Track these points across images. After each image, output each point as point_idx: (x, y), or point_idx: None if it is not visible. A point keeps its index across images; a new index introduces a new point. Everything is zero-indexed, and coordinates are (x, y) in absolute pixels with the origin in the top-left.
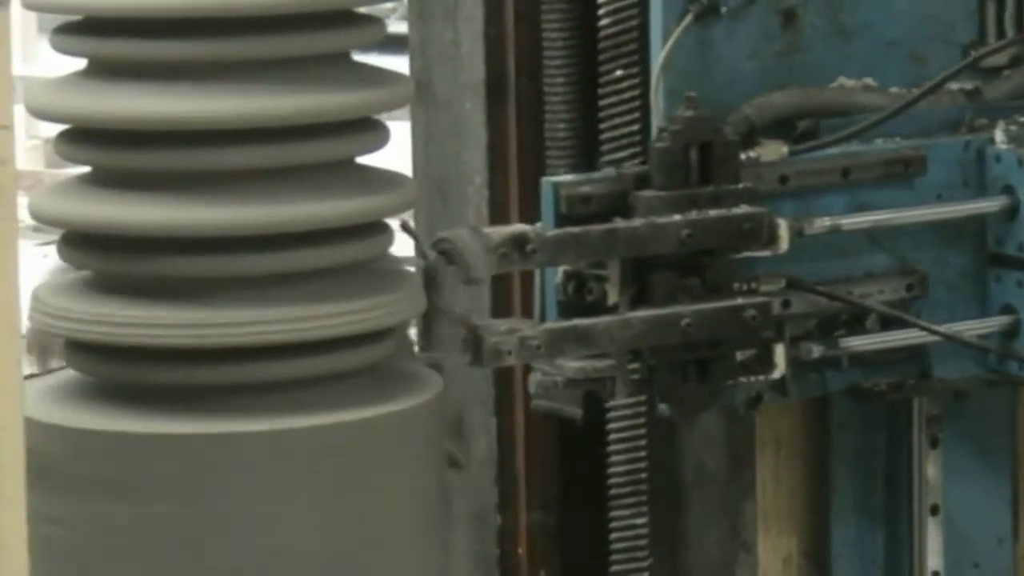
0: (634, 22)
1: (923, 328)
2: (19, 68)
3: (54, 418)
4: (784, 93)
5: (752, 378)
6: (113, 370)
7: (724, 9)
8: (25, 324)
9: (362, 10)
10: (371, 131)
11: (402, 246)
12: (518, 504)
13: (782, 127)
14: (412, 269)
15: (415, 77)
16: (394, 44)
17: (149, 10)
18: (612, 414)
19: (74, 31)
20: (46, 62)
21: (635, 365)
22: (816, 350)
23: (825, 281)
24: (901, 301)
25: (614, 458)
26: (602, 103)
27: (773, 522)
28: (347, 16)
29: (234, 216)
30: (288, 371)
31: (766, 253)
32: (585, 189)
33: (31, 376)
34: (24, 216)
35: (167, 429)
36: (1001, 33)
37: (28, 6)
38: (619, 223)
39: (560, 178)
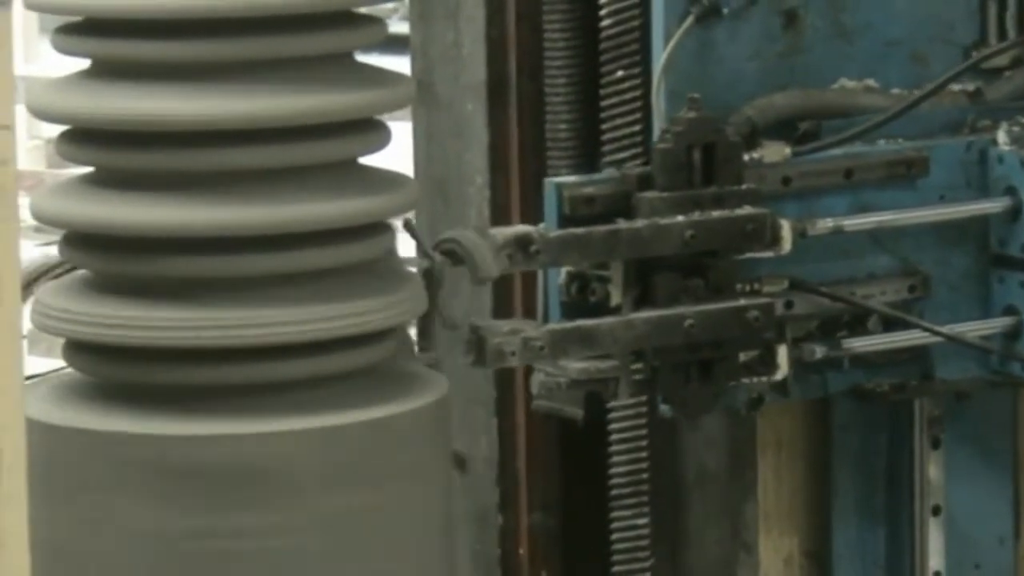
0: (635, 23)
1: (925, 329)
2: (20, 68)
3: (54, 418)
4: (785, 94)
5: (754, 379)
6: (113, 370)
7: (725, 10)
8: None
9: (363, 10)
10: (372, 131)
11: (402, 246)
12: (519, 504)
13: (783, 128)
14: (413, 269)
15: (416, 77)
16: (395, 44)
17: (151, 11)
18: (613, 414)
19: (75, 31)
20: (47, 62)
21: (638, 366)
22: (818, 351)
23: (828, 282)
24: (903, 302)
25: (615, 458)
26: (603, 104)
27: (774, 522)
28: (348, 16)
29: (235, 216)
30: (290, 371)
31: (769, 254)
32: (588, 190)
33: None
34: (26, 216)
35: (167, 429)
36: (1002, 33)
37: (29, 6)
38: (622, 224)
39: (563, 179)
